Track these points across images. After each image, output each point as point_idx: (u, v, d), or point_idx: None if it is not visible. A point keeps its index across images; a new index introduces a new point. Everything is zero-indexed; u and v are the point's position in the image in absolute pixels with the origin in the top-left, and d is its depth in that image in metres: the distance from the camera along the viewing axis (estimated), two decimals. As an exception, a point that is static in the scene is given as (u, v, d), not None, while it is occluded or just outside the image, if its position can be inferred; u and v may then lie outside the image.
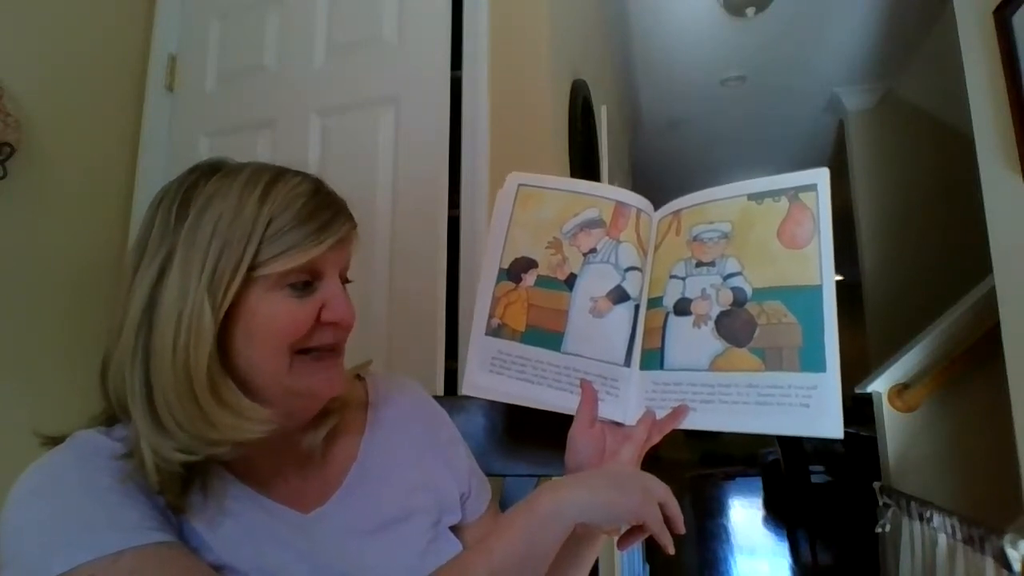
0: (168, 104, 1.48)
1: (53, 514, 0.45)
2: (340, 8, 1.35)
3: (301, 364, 0.52)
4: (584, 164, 1.59)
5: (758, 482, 5.58)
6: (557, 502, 0.52)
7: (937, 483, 1.90)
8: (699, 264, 0.63)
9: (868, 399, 2.11)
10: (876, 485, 2.06)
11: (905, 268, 3.06)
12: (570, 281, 0.67)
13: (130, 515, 0.45)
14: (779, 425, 0.56)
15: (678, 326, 0.62)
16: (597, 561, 1.35)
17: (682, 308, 0.63)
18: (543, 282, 0.67)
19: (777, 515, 4.87)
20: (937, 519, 1.70)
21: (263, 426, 0.50)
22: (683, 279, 0.64)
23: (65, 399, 1.25)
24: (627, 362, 0.64)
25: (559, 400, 0.65)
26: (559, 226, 0.68)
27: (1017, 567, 1.35)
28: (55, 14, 1.27)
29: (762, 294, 0.59)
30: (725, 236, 0.63)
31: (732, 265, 0.62)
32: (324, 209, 0.54)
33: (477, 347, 0.68)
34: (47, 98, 1.23)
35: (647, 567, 2.93)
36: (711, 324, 0.61)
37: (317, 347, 0.53)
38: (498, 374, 0.67)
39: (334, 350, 0.55)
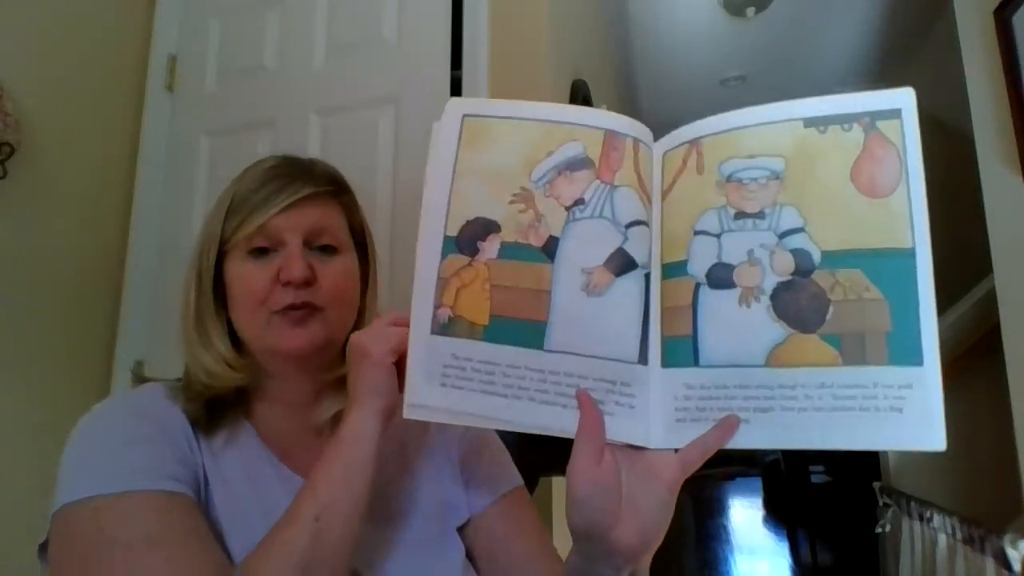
0: (168, 104, 1.48)
1: (81, 452, 0.52)
2: (340, 8, 1.35)
3: (277, 325, 0.57)
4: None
5: (758, 482, 5.57)
6: (351, 425, 0.51)
7: (937, 483, 1.90)
8: (740, 215, 0.47)
9: (868, 399, 2.11)
10: (876, 485, 2.06)
11: (905, 268, 3.05)
12: (550, 248, 0.48)
13: (148, 462, 0.50)
14: (864, 438, 0.43)
15: (717, 303, 0.46)
16: None
17: (720, 278, 0.46)
18: (510, 251, 0.48)
19: (777, 515, 4.87)
20: (937, 519, 1.70)
21: (234, 373, 0.58)
22: (717, 236, 0.47)
23: (65, 399, 1.25)
24: (642, 358, 0.46)
25: (547, 420, 0.46)
26: (527, 170, 0.50)
27: (1017, 567, 1.35)
28: (55, 14, 1.27)
29: (835, 259, 0.44)
30: (776, 176, 0.46)
31: (790, 217, 0.46)
32: (278, 178, 0.59)
33: (421, 352, 0.48)
34: (47, 98, 1.23)
35: (647, 567, 2.92)
36: (765, 301, 0.45)
37: (289, 307, 0.57)
38: (454, 388, 0.47)
39: (305, 308, 0.57)
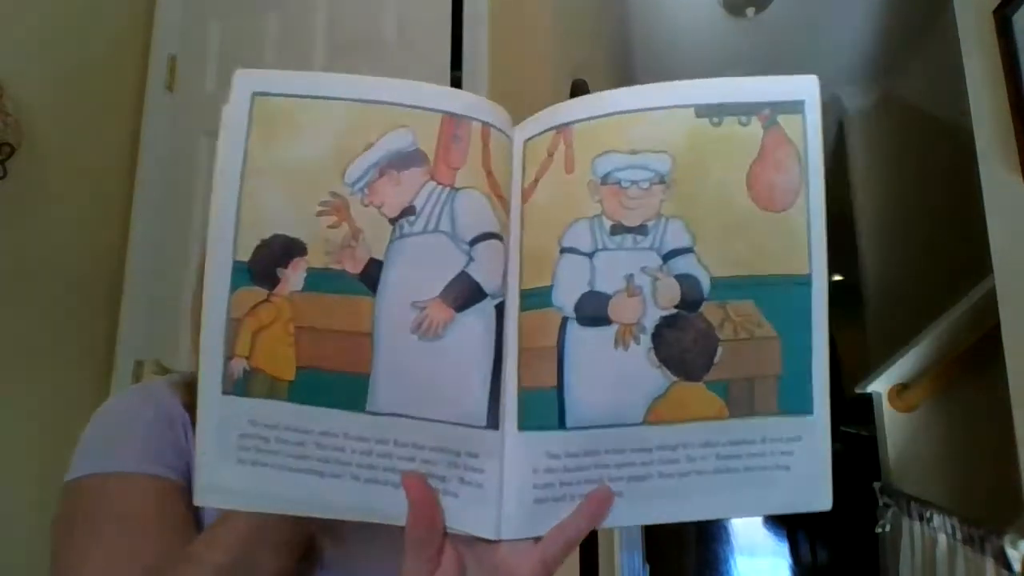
0: (168, 104, 1.48)
1: (89, 434, 0.54)
2: (340, 8, 1.35)
3: None
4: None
5: (758, 482, 5.58)
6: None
7: (937, 483, 1.90)
8: (618, 228, 0.37)
9: (868, 399, 2.11)
10: (876, 485, 2.06)
11: (905, 268, 3.06)
12: (370, 275, 0.37)
13: (143, 446, 0.52)
14: (747, 504, 0.37)
15: (588, 344, 0.36)
16: (597, 562, 1.35)
17: (593, 311, 0.36)
18: (319, 280, 0.37)
19: (777, 515, 4.87)
20: (937, 519, 1.70)
21: None
22: (589, 255, 0.37)
23: (65, 399, 1.25)
24: (492, 419, 0.36)
25: (377, 503, 0.36)
26: (340, 170, 0.37)
27: (1017, 567, 1.35)
28: (55, 14, 1.27)
29: (726, 287, 0.36)
30: (662, 180, 0.37)
31: (677, 234, 0.37)
32: None
33: (211, 418, 0.36)
34: (47, 98, 1.23)
35: (647, 568, 2.93)
36: (646, 341, 0.36)
37: None
38: (256, 465, 0.36)
39: None
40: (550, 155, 0.39)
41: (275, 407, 0.36)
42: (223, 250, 0.37)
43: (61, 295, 1.26)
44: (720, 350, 0.36)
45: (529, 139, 0.40)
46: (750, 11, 2.68)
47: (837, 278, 7.32)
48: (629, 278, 0.37)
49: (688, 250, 0.37)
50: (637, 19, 2.82)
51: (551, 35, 1.32)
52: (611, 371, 0.36)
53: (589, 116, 0.38)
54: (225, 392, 0.36)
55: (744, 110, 0.38)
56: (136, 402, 0.58)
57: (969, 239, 1.83)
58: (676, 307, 0.36)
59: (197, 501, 0.37)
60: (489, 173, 0.38)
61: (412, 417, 0.36)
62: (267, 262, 0.37)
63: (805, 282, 0.37)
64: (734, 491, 0.36)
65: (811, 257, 0.37)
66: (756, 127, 0.38)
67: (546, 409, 0.36)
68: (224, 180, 0.38)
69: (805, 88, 0.39)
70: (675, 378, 0.36)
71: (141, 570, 0.46)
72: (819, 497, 0.37)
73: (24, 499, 1.16)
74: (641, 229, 0.37)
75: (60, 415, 1.23)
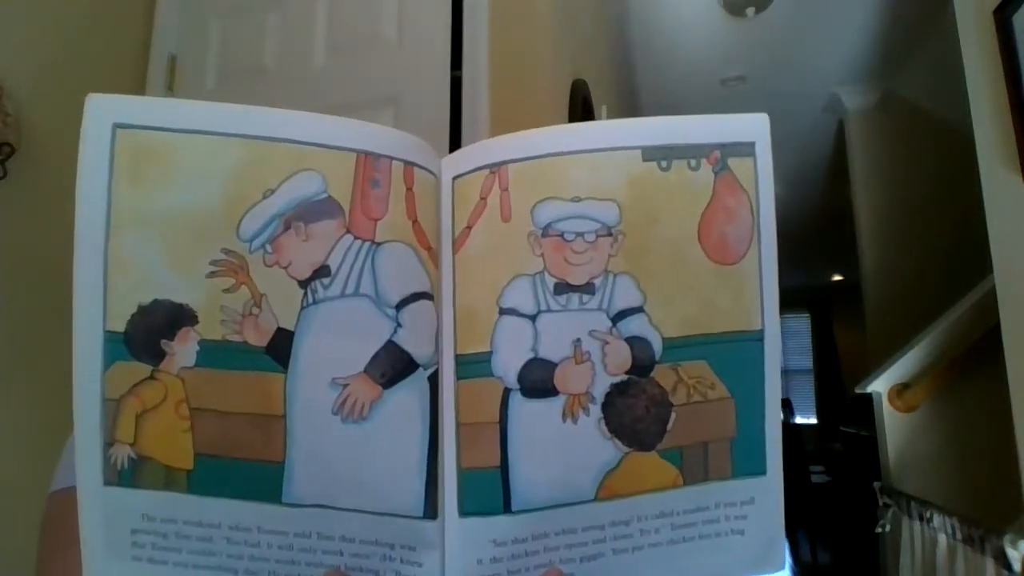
0: (168, 104, 1.48)
1: (71, 445, 0.54)
2: (340, 8, 1.35)
3: None
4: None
5: (758, 482, 5.57)
6: None
7: (937, 483, 1.90)
8: (562, 286, 0.34)
9: (868, 399, 2.11)
10: (876, 485, 2.06)
11: (905, 268, 3.06)
12: (279, 347, 0.32)
13: None
14: (702, 572, 0.35)
15: (533, 418, 0.33)
16: None
17: (537, 381, 0.33)
18: (216, 354, 0.32)
19: (777, 515, 4.86)
20: (937, 519, 1.70)
21: None
22: (531, 318, 0.34)
23: (65, 399, 1.25)
24: (430, 508, 0.32)
25: None
26: (233, 221, 0.32)
27: (1017, 567, 1.35)
28: (55, 14, 1.27)
29: (678, 348, 0.34)
30: (609, 231, 0.34)
31: (627, 291, 0.34)
32: None
33: (95, 512, 0.32)
34: (47, 98, 1.23)
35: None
36: (596, 412, 0.33)
37: None
38: (152, 562, 0.32)
39: None
40: (483, 199, 0.34)
41: (172, 499, 0.31)
42: (91, 317, 0.32)
43: (61, 295, 1.26)
44: (673, 416, 0.34)
45: (458, 176, 0.34)
46: (750, 11, 2.68)
47: (837, 278, 7.33)
48: (576, 343, 0.33)
49: (639, 309, 0.34)
50: (637, 19, 2.82)
51: (551, 35, 1.32)
52: (559, 446, 0.33)
53: (525, 156, 0.34)
54: (108, 483, 0.32)
55: (693, 152, 0.34)
56: None
57: (969, 239, 1.83)
58: (627, 372, 0.33)
59: None
60: (415, 222, 0.33)
61: (337, 508, 0.32)
62: (148, 333, 0.31)
63: (758, 338, 0.35)
64: (688, 560, 0.35)
65: (763, 311, 0.35)
66: (706, 172, 0.34)
67: (490, 492, 0.33)
68: (84, 233, 0.33)
69: (755, 128, 0.35)
70: (627, 449, 0.33)
71: None
72: (773, 560, 0.35)
73: (23, 499, 1.16)
74: (588, 288, 0.34)
75: (60, 415, 1.23)
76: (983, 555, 1.47)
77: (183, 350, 0.31)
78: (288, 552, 0.32)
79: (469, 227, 0.34)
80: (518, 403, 0.33)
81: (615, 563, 0.34)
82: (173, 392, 0.31)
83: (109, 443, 0.32)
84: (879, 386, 2.05)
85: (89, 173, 0.36)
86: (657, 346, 0.34)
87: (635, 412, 0.34)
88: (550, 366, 0.33)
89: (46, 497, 0.52)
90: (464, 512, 0.33)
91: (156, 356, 0.31)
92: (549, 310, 0.34)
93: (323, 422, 0.31)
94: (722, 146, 0.34)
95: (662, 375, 0.34)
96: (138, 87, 1.47)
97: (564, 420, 0.33)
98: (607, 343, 0.34)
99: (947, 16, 1.99)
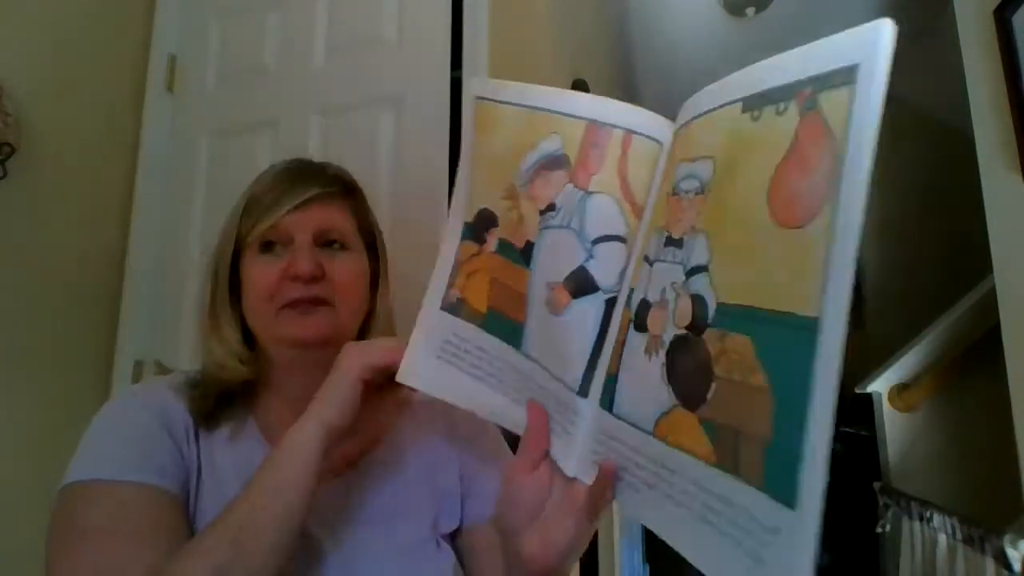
0: (168, 104, 1.48)
1: (86, 440, 0.55)
2: (340, 8, 1.35)
3: (285, 316, 0.60)
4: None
5: (758, 482, 5.57)
6: (291, 434, 0.49)
7: (937, 483, 1.90)
8: (668, 241, 0.37)
9: (868, 399, 2.11)
10: (876, 485, 2.06)
11: (905, 268, 3.06)
12: (527, 252, 0.45)
13: (133, 453, 0.53)
14: (717, 568, 0.32)
15: (634, 346, 0.38)
16: (597, 561, 1.35)
17: (641, 318, 0.39)
18: (503, 248, 0.47)
19: (777, 515, 4.86)
20: (937, 519, 1.70)
21: (240, 366, 0.61)
22: (651, 264, 0.39)
23: (65, 399, 1.25)
24: (583, 391, 0.41)
25: (512, 414, 0.45)
26: (515, 165, 0.45)
27: (1017, 567, 1.35)
28: (55, 14, 1.27)
29: (729, 316, 0.32)
30: (702, 189, 0.35)
31: (700, 249, 0.34)
32: (289, 180, 0.63)
33: (428, 324, 0.49)
34: (47, 98, 1.23)
35: (647, 567, 2.93)
36: (662, 356, 0.36)
37: (297, 300, 0.59)
38: (448, 364, 0.49)
39: (313, 302, 0.60)
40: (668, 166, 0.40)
41: (471, 330, 0.48)
42: (458, 210, 0.50)
43: (61, 295, 1.26)
44: (713, 386, 0.32)
45: (677, 130, 0.40)
46: (750, 11, 2.68)
47: (837, 278, 7.31)
48: (663, 291, 0.37)
49: (704, 268, 0.33)
50: (637, 19, 2.82)
51: (551, 35, 1.32)
52: (640, 375, 0.38)
53: (692, 116, 0.38)
54: (442, 308, 0.49)
55: (783, 95, 0.30)
56: (135, 407, 0.57)
57: (969, 239, 1.83)
58: (687, 328, 0.34)
59: (399, 378, 0.49)
60: (623, 179, 0.41)
61: (543, 367, 0.44)
62: (480, 226, 0.49)
63: (811, 327, 0.27)
64: (710, 547, 0.32)
65: (826, 294, 0.27)
66: (791, 115, 0.29)
67: (608, 393, 0.40)
68: (463, 159, 0.50)
69: (862, 46, 0.28)
70: (676, 400, 0.35)
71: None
72: None
73: (23, 499, 1.16)
74: (679, 243, 0.36)
75: (60, 415, 1.23)
76: (983, 555, 1.47)
77: (491, 241, 0.48)
78: (519, 382, 0.45)
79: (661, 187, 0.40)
80: (631, 332, 0.40)
81: (663, 505, 0.35)
82: (484, 265, 0.48)
83: (449, 286, 0.50)
84: (879, 386, 2.05)
85: (465, 126, 0.50)
86: (712, 308, 0.33)
87: (686, 367, 0.34)
88: (648, 307, 0.39)
89: (58, 490, 0.51)
90: (601, 403, 0.41)
91: (481, 241, 0.49)
92: (660, 260, 0.38)
93: (540, 308, 0.43)
94: (815, 79, 0.29)
95: (712, 340, 0.32)
96: (138, 87, 1.47)
97: (645, 355, 0.38)
98: (678, 295, 0.36)
99: (947, 16, 1.99)
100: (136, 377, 1.35)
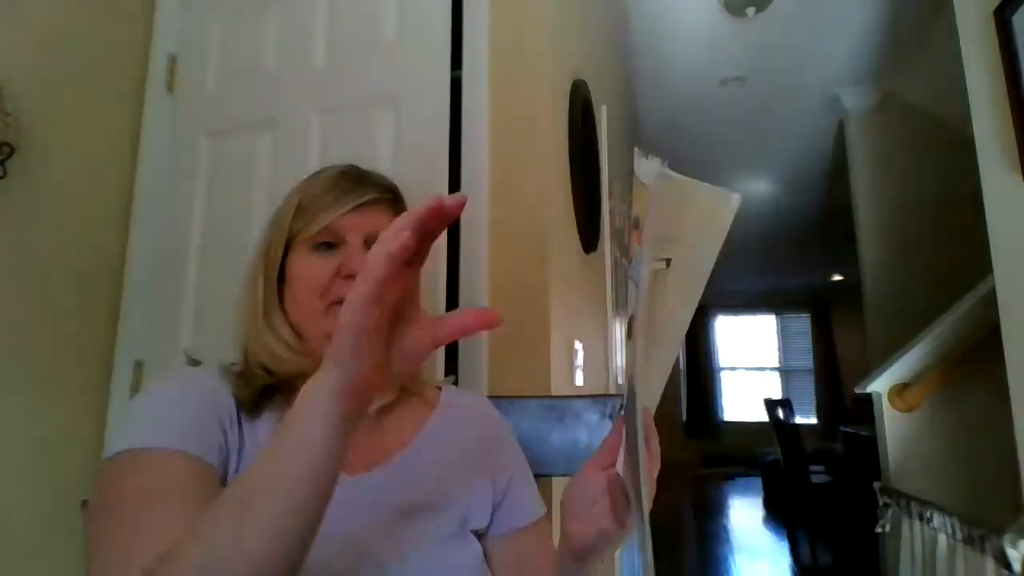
0: (168, 104, 1.48)
1: (135, 410, 0.57)
2: (340, 8, 1.35)
3: (334, 312, 0.61)
4: (584, 164, 1.59)
5: (758, 482, 5.58)
6: (299, 400, 0.41)
7: (937, 483, 1.90)
8: None
9: (868, 399, 2.11)
10: (876, 485, 2.06)
11: (905, 268, 3.06)
12: None
13: (186, 425, 0.54)
14: None
15: None
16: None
17: None
18: None
19: (777, 515, 4.87)
20: (937, 519, 1.70)
21: (299, 359, 0.61)
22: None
23: (65, 399, 1.25)
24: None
25: None
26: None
27: (1017, 567, 1.35)
28: (55, 14, 1.27)
29: None
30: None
31: None
32: (346, 183, 0.66)
33: None
34: (47, 98, 1.23)
35: (647, 567, 2.92)
36: None
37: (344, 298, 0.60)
38: None
39: None
40: None
41: None
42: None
43: (61, 295, 1.26)
44: None
45: None
46: (750, 11, 2.68)
47: (837, 278, 7.32)
48: None
49: None
50: (637, 19, 2.82)
51: (551, 35, 1.32)
52: None
53: None
54: None
55: None
56: (182, 383, 0.59)
57: (969, 239, 1.83)
58: None
59: None
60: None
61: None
62: None
63: None
64: None
65: None
66: None
67: None
68: None
69: None
70: None
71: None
72: None
73: (24, 499, 1.16)
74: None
75: (60, 415, 1.23)
76: (983, 555, 1.47)
77: None
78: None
79: None
80: None
81: None
82: None
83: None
84: (879, 386, 2.05)
85: None
86: None
87: None
88: None
89: (103, 461, 0.52)
90: None
91: None
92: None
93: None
94: None
95: None
96: (138, 87, 1.47)
97: None
98: None
99: (947, 16, 1.99)
100: (136, 377, 1.35)
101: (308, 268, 0.63)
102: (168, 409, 0.55)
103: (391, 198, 0.69)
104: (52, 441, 1.21)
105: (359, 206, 0.64)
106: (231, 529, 0.38)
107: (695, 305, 0.46)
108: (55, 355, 1.24)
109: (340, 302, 0.58)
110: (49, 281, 1.24)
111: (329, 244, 0.64)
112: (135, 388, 1.35)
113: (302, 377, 0.62)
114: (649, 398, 0.47)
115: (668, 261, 0.44)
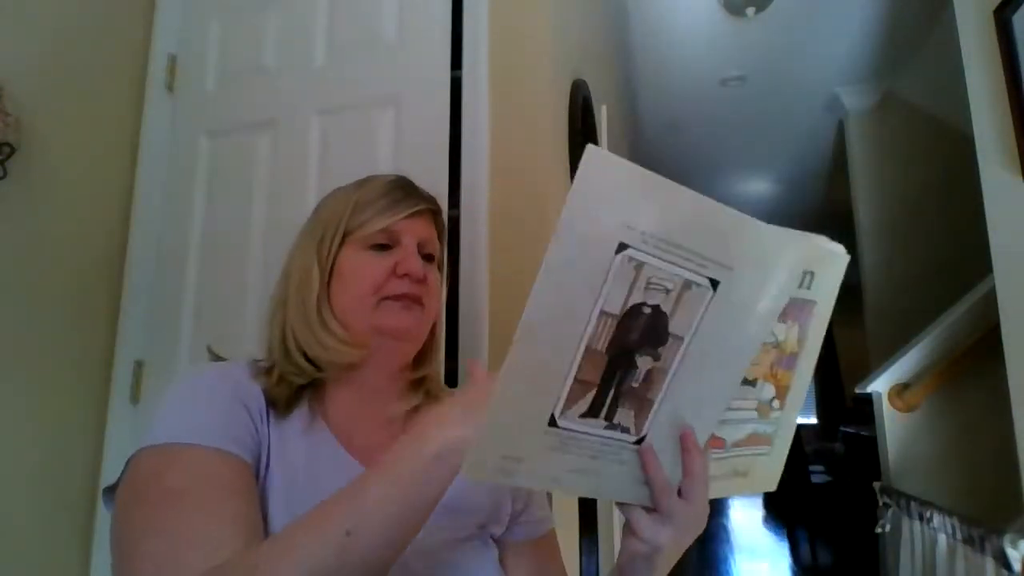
0: (168, 104, 1.48)
1: (167, 407, 0.57)
2: (340, 8, 1.35)
3: (387, 306, 0.65)
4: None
5: (758, 482, 5.56)
6: (446, 442, 0.43)
7: (937, 483, 1.90)
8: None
9: (868, 399, 2.11)
10: (876, 485, 2.06)
11: (905, 268, 3.06)
12: None
13: (213, 420, 0.54)
14: None
15: None
16: (597, 560, 1.35)
17: None
18: None
19: (777, 515, 4.87)
20: (937, 519, 1.70)
21: (352, 349, 0.63)
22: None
23: (65, 398, 1.25)
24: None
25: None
26: None
27: (1017, 567, 1.35)
28: (55, 14, 1.27)
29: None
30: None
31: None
32: (399, 190, 0.69)
33: None
34: (47, 98, 1.23)
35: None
36: None
37: (398, 295, 0.65)
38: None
39: (414, 300, 0.66)
40: None
41: None
42: None
43: (61, 295, 1.26)
44: None
45: None
46: (750, 11, 2.68)
47: (837, 278, 7.29)
48: None
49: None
50: (637, 19, 2.82)
51: (551, 35, 1.32)
52: None
53: None
54: None
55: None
56: (214, 379, 0.60)
57: (969, 239, 1.83)
58: None
59: None
60: None
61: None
62: None
63: None
64: None
65: None
66: None
67: None
68: None
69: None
70: None
71: (212, 540, 0.46)
72: None
73: (24, 499, 1.16)
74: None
75: (60, 415, 1.23)
76: (983, 555, 1.47)
77: None
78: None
79: None
80: None
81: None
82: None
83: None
84: (879, 386, 2.05)
85: None
86: None
87: None
88: None
89: (133, 455, 0.52)
90: None
91: None
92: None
93: None
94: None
95: None
96: (138, 87, 1.47)
97: None
98: None
99: (947, 16, 1.99)
100: (136, 377, 1.35)
101: (363, 265, 0.66)
102: (208, 404, 0.56)
103: (436, 210, 0.74)
104: (52, 441, 1.21)
105: (413, 214, 0.68)
106: (335, 555, 0.41)
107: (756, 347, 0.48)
108: (55, 355, 1.24)
109: (392, 297, 0.64)
110: (49, 281, 1.24)
111: (383, 245, 0.67)
112: (135, 388, 1.35)
113: (349, 368, 0.66)
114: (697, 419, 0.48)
115: (713, 281, 0.42)
